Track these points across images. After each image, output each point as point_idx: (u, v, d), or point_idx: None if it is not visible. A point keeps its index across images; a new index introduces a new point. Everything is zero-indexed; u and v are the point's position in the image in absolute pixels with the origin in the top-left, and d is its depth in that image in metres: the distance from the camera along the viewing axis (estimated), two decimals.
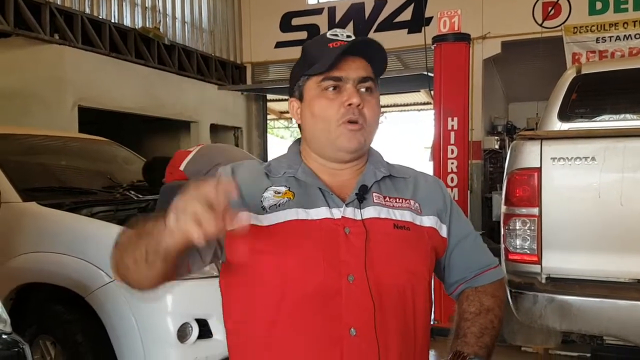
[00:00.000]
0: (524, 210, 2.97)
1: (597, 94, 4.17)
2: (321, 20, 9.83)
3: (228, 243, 1.17)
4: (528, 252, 2.96)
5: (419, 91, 11.05)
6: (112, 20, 7.67)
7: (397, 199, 1.25)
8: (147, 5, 8.41)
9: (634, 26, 7.81)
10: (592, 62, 7.46)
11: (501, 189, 3.45)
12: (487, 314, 1.25)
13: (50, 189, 3.72)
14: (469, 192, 5.10)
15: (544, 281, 2.98)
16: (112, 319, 2.94)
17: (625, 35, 7.86)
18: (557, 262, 2.96)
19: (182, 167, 3.71)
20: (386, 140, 15.23)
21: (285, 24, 10.00)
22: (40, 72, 6.65)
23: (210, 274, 2.38)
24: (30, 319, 3.14)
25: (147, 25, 8.32)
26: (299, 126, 1.29)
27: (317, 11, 9.96)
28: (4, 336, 2.15)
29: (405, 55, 9.37)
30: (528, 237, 2.95)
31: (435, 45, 4.95)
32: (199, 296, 2.74)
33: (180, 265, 1.15)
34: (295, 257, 1.15)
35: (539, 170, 2.93)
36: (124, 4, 7.94)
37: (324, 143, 1.23)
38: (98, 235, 3.11)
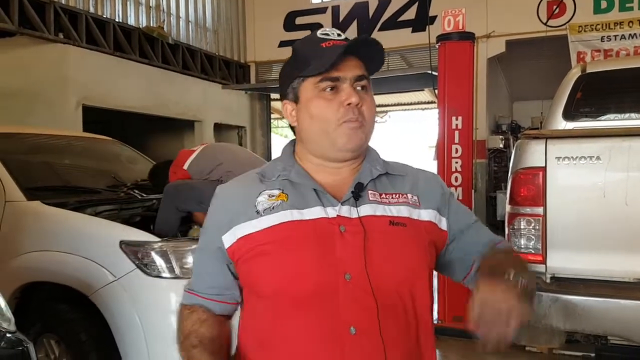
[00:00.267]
0: (528, 210, 2.96)
1: (602, 93, 4.16)
2: (325, 19, 9.83)
3: (240, 270, 1.23)
4: (532, 251, 2.95)
5: (423, 90, 11.03)
6: (117, 20, 7.68)
7: (394, 195, 1.24)
8: (151, 5, 8.43)
9: None
10: (597, 61, 7.43)
11: (505, 188, 3.44)
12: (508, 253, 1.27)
13: (54, 188, 3.73)
14: (473, 191, 5.08)
15: (548, 281, 2.97)
16: (115, 317, 2.95)
17: (630, 34, 7.82)
18: (561, 261, 2.95)
19: (185, 166, 3.71)
20: (390, 139, 15.23)
21: (289, 23, 10.00)
22: (44, 71, 6.66)
23: None
24: (34, 318, 3.15)
25: (151, 25, 8.33)
26: (292, 128, 1.29)
27: (321, 10, 9.96)
28: (8, 335, 2.16)
29: (409, 54, 9.36)
30: (532, 237, 2.95)
31: (439, 44, 4.94)
32: None
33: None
34: (290, 258, 1.16)
35: (543, 169, 2.92)
36: (128, 3, 7.95)
37: (323, 144, 1.22)
38: (102, 235, 3.12)
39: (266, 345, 1.19)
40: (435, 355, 1.28)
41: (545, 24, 8.25)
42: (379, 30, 9.46)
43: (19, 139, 4.14)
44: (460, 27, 4.87)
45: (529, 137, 3.08)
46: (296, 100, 1.24)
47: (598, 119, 4.05)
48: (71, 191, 3.74)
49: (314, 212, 1.19)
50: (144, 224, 3.52)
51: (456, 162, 4.84)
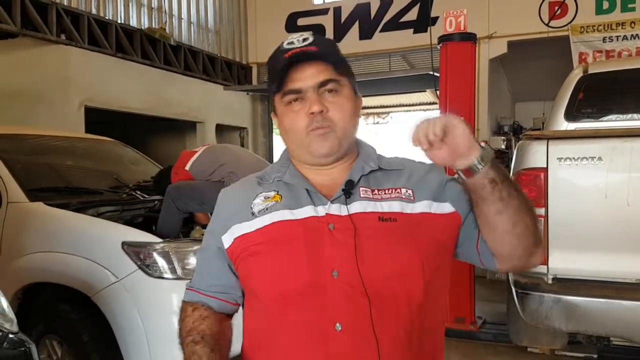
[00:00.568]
0: None
1: (603, 94, 4.16)
2: (327, 21, 9.83)
3: (238, 270, 1.26)
4: None
5: (425, 91, 11.01)
6: (119, 21, 7.69)
7: (386, 190, 1.24)
8: (153, 6, 8.43)
9: None
10: (599, 62, 7.42)
11: None
12: None
13: (56, 189, 3.74)
14: None
15: (550, 282, 2.97)
16: (118, 318, 2.95)
17: (632, 35, 7.81)
18: (563, 262, 2.95)
19: (187, 167, 3.72)
20: (392, 140, 15.21)
21: (291, 24, 10.00)
22: (46, 73, 6.67)
23: None
24: (36, 319, 3.16)
25: (153, 26, 8.33)
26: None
27: (322, 11, 9.95)
28: (10, 335, 2.16)
29: (411, 55, 9.35)
30: None
31: (441, 45, 4.94)
32: None
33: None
34: (280, 257, 1.18)
35: (545, 170, 2.92)
36: (130, 4, 7.96)
37: (301, 152, 1.25)
38: (104, 236, 3.13)
39: (263, 345, 1.22)
40: (442, 353, 1.26)
41: (547, 24, 8.24)
42: (381, 31, 9.46)
43: (22, 140, 4.15)
44: (462, 28, 4.86)
45: (531, 137, 3.08)
46: (276, 113, 1.28)
47: (600, 119, 4.05)
48: (73, 192, 3.75)
49: (305, 212, 1.21)
50: (146, 225, 3.53)
51: None
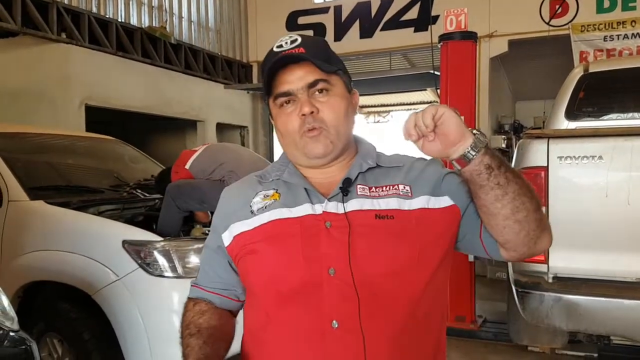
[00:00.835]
0: None
1: (604, 93, 4.16)
2: (327, 19, 9.83)
3: (238, 268, 1.28)
4: None
5: (426, 90, 11.01)
6: (119, 20, 7.68)
7: (384, 187, 1.23)
8: (153, 5, 8.43)
9: None
10: (599, 61, 7.42)
11: None
12: None
13: (57, 188, 3.74)
14: None
15: (550, 281, 2.97)
16: (118, 316, 2.95)
17: (633, 34, 7.80)
18: (563, 261, 2.95)
19: (187, 166, 3.72)
20: (393, 139, 15.22)
21: (292, 23, 10.00)
22: (47, 71, 6.67)
23: None
24: (37, 317, 3.16)
25: (154, 25, 8.33)
26: None
27: (323, 10, 9.94)
28: (11, 334, 2.16)
29: (411, 54, 9.35)
30: None
31: (441, 43, 4.94)
32: None
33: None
34: (278, 254, 1.19)
35: (545, 169, 2.92)
36: (130, 3, 7.95)
37: (296, 154, 1.26)
38: (105, 234, 3.13)
39: (261, 342, 1.22)
40: (444, 353, 1.26)
41: (547, 23, 8.24)
42: (381, 30, 9.45)
43: (22, 139, 4.15)
44: (463, 26, 4.86)
45: (531, 136, 3.08)
46: (272, 116, 1.29)
47: (600, 118, 4.05)
48: (74, 191, 3.75)
49: (302, 210, 1.21)
50: (147, 224, 3.53)
51: None
